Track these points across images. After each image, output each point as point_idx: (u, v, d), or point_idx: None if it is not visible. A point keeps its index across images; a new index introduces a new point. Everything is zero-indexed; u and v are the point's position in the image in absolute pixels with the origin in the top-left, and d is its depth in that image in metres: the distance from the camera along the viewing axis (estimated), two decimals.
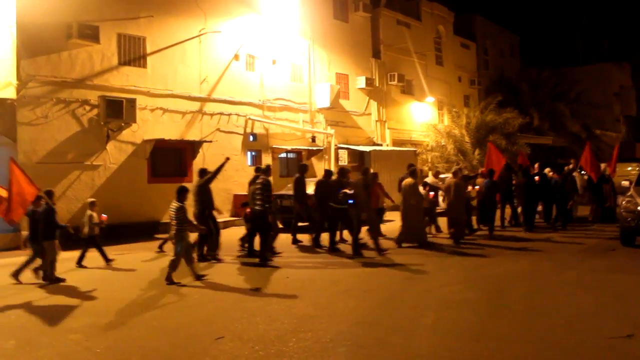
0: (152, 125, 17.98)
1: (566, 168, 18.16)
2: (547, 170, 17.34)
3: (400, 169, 15.45)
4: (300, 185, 14.07)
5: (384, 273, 10.37)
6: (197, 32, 19.41)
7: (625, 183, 14.64)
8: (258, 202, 11.49)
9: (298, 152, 23.25)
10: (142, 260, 12.44)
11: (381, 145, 26.96)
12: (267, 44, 21.88)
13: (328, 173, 14.02)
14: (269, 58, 21.96)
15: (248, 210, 12.24)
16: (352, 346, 6.04)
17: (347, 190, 12.42)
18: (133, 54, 17.67)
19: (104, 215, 12.11)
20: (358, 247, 12.28)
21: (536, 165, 18.65)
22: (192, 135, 19.07)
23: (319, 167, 23.65)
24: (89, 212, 11.79)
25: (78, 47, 16.26)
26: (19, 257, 13.29)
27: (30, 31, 15.25)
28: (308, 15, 23.58)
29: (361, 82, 26.10)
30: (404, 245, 13.11)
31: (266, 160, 21.47)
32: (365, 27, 27.15)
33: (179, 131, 18.76)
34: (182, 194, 9.91)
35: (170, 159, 18.56)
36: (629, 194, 13.13)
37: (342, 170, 14.00)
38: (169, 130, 18.38)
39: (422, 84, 30.20)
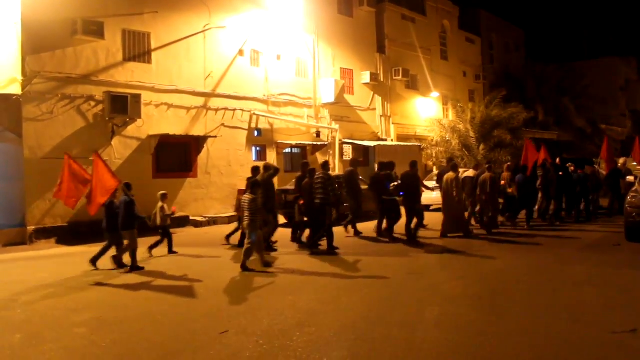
0: (157, 120, 18.02)
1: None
2: (568, 164, 17.52)
3: (405, 164, 15.55)
4: (353, 179, 14.48)
5: (387, 268, 10.37)
6: (201, 27, 19.41)
7: (631, 178, 14.68)
8: (319, 196, 12.13)
9: (303, 148, 23.26)
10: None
11: (386, 140, 26.94)
12: (272, 39, 21.87)
13: (386, 165, 14.70)
14: (274, 53, 21.95)
15: (302, 202, 12.75)
16: (356, 340, 6.06)
17: (395, 183, 13.59)
18: (138, 50, 17.70)
19: (174, 207, 13.48)
20: (413, 235, 13.13)
21: (557, 160, 18.68)
22: (197, 131, 19.10)
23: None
24: (160, 203, 12.43)
25: (83, 43, 16.29)
26: (29, 252, 13.46)
27: (35, 27, 15.29)
28: (312, 10, 23.56)
29: (366, 77, 26.07)
30: (449, 235, 13.64)
31: (271, 155, 21.50)
32: (370, 22, 27.10)
33: (184, 126, 18.79)
34: (254, 187, 10.60)
35: (175, 154, 18.61)
36: (634, 189, 13.15)
37: (390, 164, 14.78)
38: (174, 125, 18.42)
39: (426, 79, 30.15)
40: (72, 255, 13.21)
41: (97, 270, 10.53)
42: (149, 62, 17.96)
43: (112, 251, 10.90)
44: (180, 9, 18.78)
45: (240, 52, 20.65)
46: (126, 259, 10.85)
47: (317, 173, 12.69)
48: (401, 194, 13.39)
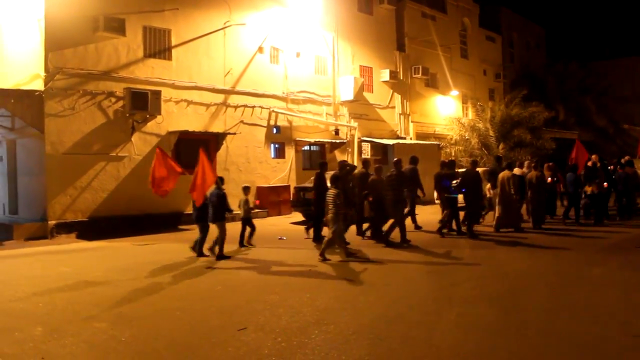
0: (177, 117, 18.12)
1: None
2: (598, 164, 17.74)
3: (423, 163, 15.54)
4: (416, 177, 14.69)
5: (406, 267, 10.34)
6: (221, 24, 19.48)
7: None
8: (391, 192, 12.63)
9: (321, 145, 23.26)
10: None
11: (405, 138, 26.85)
12: (292, 37, 21.88)
13: (447, 164, 15.30)
14: (293, 50, 21.97)
15: (370, 198, 12.98)
16: (374, 339, 6.04)
17: (455, 182, 14.19)
18: (158, 47, 17.81)
19: (258, 200, 13.98)
20: (471, 230, 13.61)
21: (593, 157, 18.52)
22: (216, 127, 19.18)
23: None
24: (243, 196, 13.06)
25: (104, 39, 16.43)
26: (51, 246, 13.62)
27: (58, 24, 15.44)
28: (332, 8, 23.53)
29: (385, 75, 26.00)
30: (501, 230, 14.33)
31: (289, 153, 21.54)
32: (390, 20, 27.00)
33: (203, 123, 18.88)
34: (337, 181, 11.19)
35: (194, 150, 18.57)
36: None
37: (451, 163, 15.45)
38: (193, 122, 18.51)
39: (446, 77, 29.99)
40: (93, 249, 13.37)
41: (207, 257, 11.37)
42: (169, 58, 18.07)
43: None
44: (200, 6, 18.86)
45: (260, 49, 20.69)
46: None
47: (390, 170, 13.33)
48: (463, 190, 13.89)
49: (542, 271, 9.78)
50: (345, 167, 13.45)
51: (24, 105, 15.09)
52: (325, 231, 12.86)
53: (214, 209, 11.33)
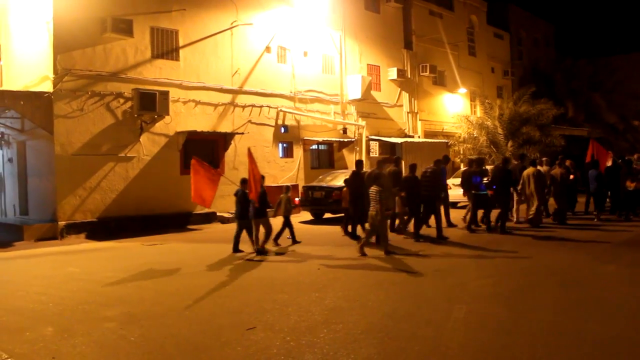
0: (185, 117, 18.18)
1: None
2: (619, 161, 17.93)
3: (431, 161, 15.53)
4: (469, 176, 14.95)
5: (415, 266, 10.32)
6: (229, 24, 19.52)
7: None
8: (427, 189, 13.13)
9: (329, 144, 23.27)
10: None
11: (413, 136, 26.82)
12: (299, 36, 21.90)
13: (476, 161, 15.52)
14: (301, 50, 21.99)
15: (403, 194, 13.44)
16: (383, 338, 6.03)
17: (486, 179, 14.66)
18: (166, 47, 17.87)
19: (297, 200, 14.68)
20: (503, 226, 13.89)
21: (610, 154, 18.59)
22: (224, 127, 19.23)
23: (350, 159, 23.66)
24: (283, 195, 13.30)
25: (112, 40, 16.50)
26: (60, 247, 13.69)
27: (66, 26, 15.53)
28: (339, 7, 23.53)
29: (393, 73, 25.97)
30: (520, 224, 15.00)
31: (297, 152, 21.55)
32: (397, 18, 26.96)
33: (211, 123, 18.93)
34: (379, 179, 11.63)
35: (203, 150, 18.70)
36: None
37: (480, 160, 15.78)
38: (201, 122, 18.57)
39: (454, 75, 29.92)
40: (102, 250, 13.44)
41: (242, 253, 11.78)
42: (177, 59, 18.13)
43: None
44: (207, 7, 18.91)
45: (267, 49, 20.72)
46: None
47: (427, 167, 13.74)
48: (494, 187, 14.17)
49: (556, 267, 9.74)
50: (384, 165, 13.77)
51: (33, 106, 15.18)
52: (359, 229, 13.44)
53: (258, 206, 11.76)
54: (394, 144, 24.92)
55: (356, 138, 24.03)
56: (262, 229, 11.93)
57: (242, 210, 11.90)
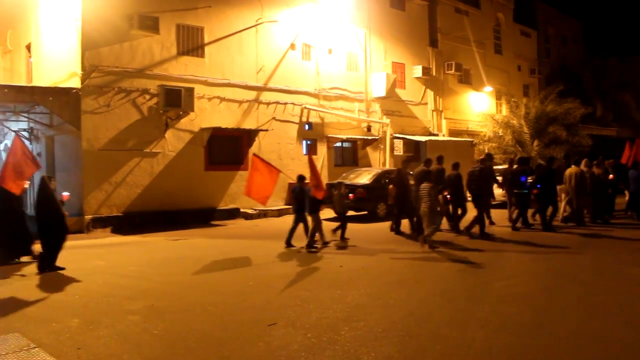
0: (210, 113, 18.30)
1: None
2: None
3: (456, 160, 15.46)
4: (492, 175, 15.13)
5: (437, 265, 10.28)
6: (254, 21, 19.59)
7: None
8: (474, 186, 13.57)
9: (353, 142, 23.23)
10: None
11: (437, 135, 26.65)
12: (323, 33, 21.89)
13: (522, 160, 15.66)
14: (325, 47, 21.98)
15: (446, 193, 13.73)
16: (404, 337, 6.02)
17: (530, 179, 14.77)
18: (191, 44, 18.00)
19: (351, 195, 15.23)
20: (548, 223, 14.18)
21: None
22: (249, 124, 19.31)
23: (374, 157, 23.61)
24: (337, 192, 13.48)
25: (139, 37, 16.68)
26: (87, 240, 13.88)
27: (94, 23, 15.74)
28: (364, 4, 23.46)
29: (418, 71, 25.83)
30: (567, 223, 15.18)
31: (321, 149, 21.55)
32: (422, 16, 26.80)
33: (236, 120, 19.02)
34: (429, 176, 12.10)
35: (227, 147, 18.86)
36: None
37: (525, 159, 16.27)
38: (226, 118, 18.67)
39: (480, 73, 29.65)
40: (127, 244, 13.61)
41: (294, 248, 12.09)
42: (202, 56, 18.25)
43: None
44: (233, 4, 19.00)
45: (292, 46, 20.75)
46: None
47: (475, 165, 14.34)
48: (538, 186, 14.34)
49: (580, 268, 9.63)
50: (431, 163, 14.04)
51: (61, 102, 15.42)
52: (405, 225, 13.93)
53: (311, 202, 12.08)
54: (418, 142, 24.79)
55: (380, 136, 23.95)
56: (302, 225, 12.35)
57: (299, 205, 12.31)
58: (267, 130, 19.69)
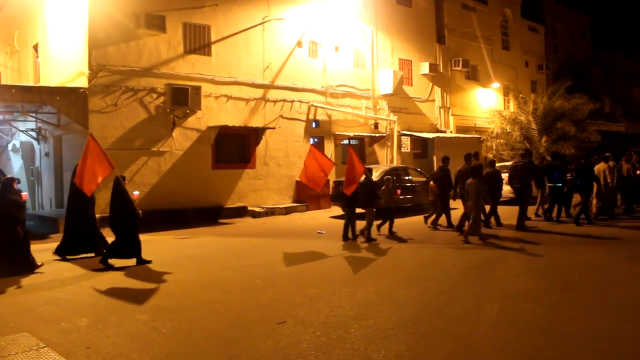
0: (217, 112, 18.30)
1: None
2: None
3: (463, 156, 15.44)
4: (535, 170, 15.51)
5: (447, 262, 10.24)
6: (260, 19, 19.56)
7: None
8: (517, 181, 14.11)
9: (360, 139, 23.18)
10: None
11: (445, 132, 26.56)
12: (330, 31, 21.84)
13: (554, 155, 16.75)
14: (332, 44, 21.92)
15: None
16: (414, 335, 5.98)
17: (569, 175, 15.44)
18: (198, 43, 17.99)
19: (399, 190, 15.74)
20: (576, 219, 14.73)
21: None
22: (256, 122, 19.29)
23: (381, 154, 23.55)
24: (385, 187, 13.64)
25: (145, 36, 16.69)
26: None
27: (101, 22, 15.75)
28: (371, 1, 23.41)
29: (425, 68, 25.74)
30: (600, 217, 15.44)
31: (328, 147, 21.51)
32: (429, 12, 26.69)
33: (243, 118, 19.01)
34: (476, 172, 12.34)
35: (234, 145, 18.84)
36: None
37: (560, 155, 17.12)
38: (233, 117, 18.66)
39: (487, 70, 29.52)
40: None
41: (350, 241, 12.51)
42: (209, 54, 18.24)
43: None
44: (239, 2, 18.98)
45: (299, 44, 20.71)
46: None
47: (519, 160, 14.90)
48: (577, 182, 14.96)
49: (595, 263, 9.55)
50: (471, 160, 14.17)
51: (69, 102, 15.45)
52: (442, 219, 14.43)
53: (366, 197, 12.57)
54: (425, 139, 24.72)
55: (387, 133, 23.89)
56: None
57: (348, 200, 12.65)
58: (274, 128, 19.67)
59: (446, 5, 27.44)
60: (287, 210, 19.14)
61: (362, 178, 12.66)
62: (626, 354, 5.42)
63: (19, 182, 10.47)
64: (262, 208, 18.75)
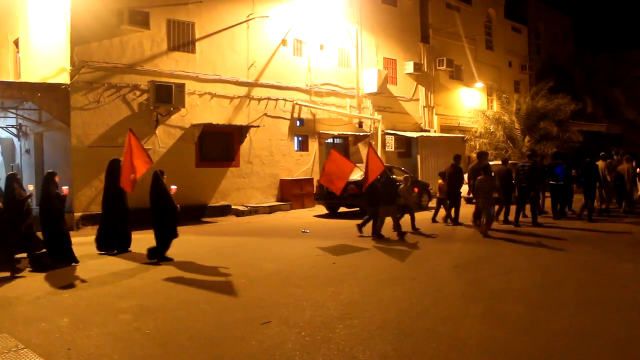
0: (201, 109, 18.17)
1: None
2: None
3: (447, 156, 15.58)
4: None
5: (432, 261, 10.25)
6: (245, 17, 19.45)
7: None
8: (524, 181, 14.54)
9: (345, 138, 23.17)
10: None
11: (429, 131, 26.64)
12: (315, 29, 21.78)
13: (556, 155, 17.71)
14: (317, 43, 21.87)
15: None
16: (399, 334, 5.97)
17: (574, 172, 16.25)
18: (182, 40, 17.84)
19: (416, 188, 16.17)
20: (589, 215, 15.28)
21: None
22: (240, 120, 19.19)
23: (365, 153, 23.52)
24: (403, 186, 14.04)
25: (129, 33, 16.50)
26: (76, 238, 13.72)
27: (83, 18, 15.55)
28: (356, 0, 23.37)
29: (409, 67, 25.79)
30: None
31: (312, 145, 21.48)
32: (414, 11, 26.75)
33: (227, 116, 18.90)
34: (487, 170, 12.91)
35: (218, 143, 18.72)
36: None
37: (558, 154, 17.93)
38: (217, 114, 18.55)
39: (471, 69, 29.67)
40: None
41: (363, 237, 12.83)
42: (193, 51, 18.10)
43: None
44: None
45: (284, 42, 20.63)
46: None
47: (524, 161, 15.61)
48: (581, 180, 15.55)
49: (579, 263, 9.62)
50: (483, 158, 14.63)
51: (50, 98, 15.24)
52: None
53: (387, 194, 12.73)
54: (410, 138, 24.77)
55: (372, 132, 23.90)
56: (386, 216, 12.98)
57: (370, 197, 12.99)
58: (258, 126, 19.58)
59: (431, 4, 27.51)
60: (271, 209, 19.07)
61: (381, 176, 13.08)
62: (611, 352, 5.45)
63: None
64: (246, 207, 18.67)
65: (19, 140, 19.24)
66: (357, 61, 23.49)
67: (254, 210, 18.67)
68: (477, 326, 6.25)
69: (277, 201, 19.99)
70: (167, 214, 10.60)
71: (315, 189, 19.17)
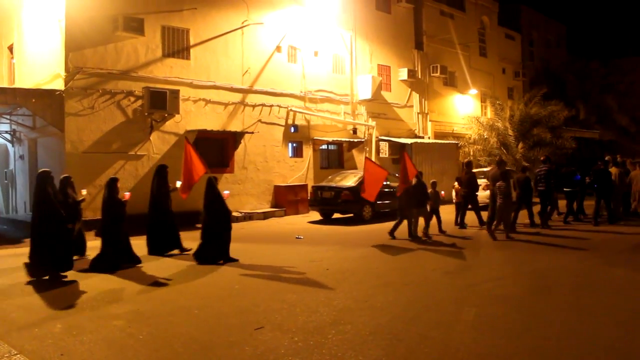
0: (195, 116, 18.20)
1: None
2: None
3: (441, 162, 15.69)
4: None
5: (425, 266, 10.29)
6: (239, 24, 19.52)
7: None
8: (542, 183, 15.29)
9: (339, 144, 23.23)
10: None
11: (423, 137, 26.72)
12: (309, 36, 21.87)
13: (569, 162, 18.02)
14: (311, 49, 21.96)
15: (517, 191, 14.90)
16: (391, 340, 6.00)
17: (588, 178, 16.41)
18: (177, 46, 17.89)
19: (443, 193, 16.66)
20: (597, 216, 15.77)
21: None
22: (234, 127, 19.23)
23: (360, 160, 23.60)
24: (431, 190, 14.51)
25: (123, 39, 16.54)
26: None
27: (78, 24, 15.58)
28: (350, 6, 23.49)
29: (403, 73, 25.90)
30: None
31: (307, 152, 21.52)
32: (408, 18, 26.88)
33: (221, 122, 18.93)
34: (507, 175, 13.51)
35: (213, 149, 18.73)
36: None
37: (570, 162, 17.98)
38: (211, 121, 18.58)
39: (465, 76, 29.81)
40: None
41: (395, 240, 13.27)
42: (188, 58, 18.14)
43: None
44: (219, 6, 18.92)
45: (278, 49, 20.70)
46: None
47: (541, 166, 16.06)
48: (595, 186, 15.83)
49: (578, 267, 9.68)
50: (502, 165, 14.92)
51: (44, 104, 15.25)
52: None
53: (417, 197, 13.31)
54: (404, 145, 24.84)
55: (366, 138, 23.97)
56: (422, 219, 13.67)
57: (404, 201, 13.41)
58: (252, 132, 19.62)
59: (425, 11, 27.65)
60: (265, 215, 19.09)
61: (414, 180, 13.54)
62: (602, 357, 5.49)
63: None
64: (240, 213, 18.68)
65: (12, 146, 19.24)
66: (352, 68, 23.59)
67: (249, 217, 18.68)
68: (469, 331, 6.28)
69: (272, 207, 20.01)
70: (223, 218, 11.10)
71: (309, 195, 19.20)
